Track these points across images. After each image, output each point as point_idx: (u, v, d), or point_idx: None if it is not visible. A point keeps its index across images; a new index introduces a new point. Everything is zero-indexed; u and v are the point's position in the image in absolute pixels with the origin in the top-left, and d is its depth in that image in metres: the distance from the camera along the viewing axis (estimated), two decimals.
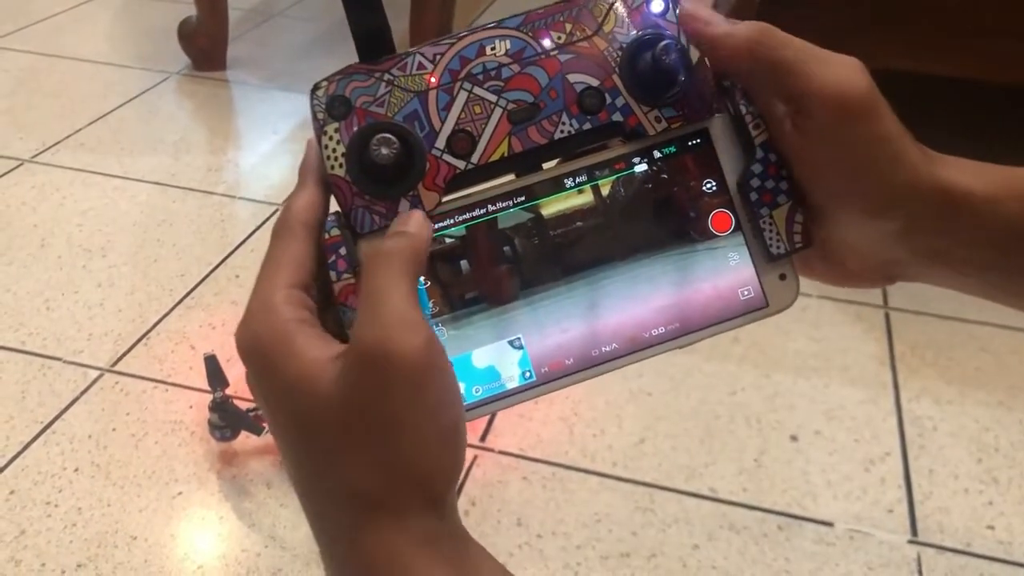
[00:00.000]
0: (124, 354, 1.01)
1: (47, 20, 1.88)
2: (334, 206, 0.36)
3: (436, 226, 0.36)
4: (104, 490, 0.84)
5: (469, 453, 0.90)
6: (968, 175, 0.36)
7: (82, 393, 0.95)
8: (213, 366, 0.85)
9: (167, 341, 1.03)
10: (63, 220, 1.24)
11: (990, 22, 1.18)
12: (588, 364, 0.37)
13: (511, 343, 0.37)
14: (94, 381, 0.97)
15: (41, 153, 1.39)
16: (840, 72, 0.35)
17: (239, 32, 1.83)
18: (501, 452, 0.90)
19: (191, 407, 0.94)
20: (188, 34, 1.68)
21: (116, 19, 1.92)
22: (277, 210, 1.29)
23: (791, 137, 0.37)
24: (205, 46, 1.68)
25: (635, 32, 0.37)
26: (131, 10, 1.97)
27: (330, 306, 0.36)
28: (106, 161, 1.38)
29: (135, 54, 1.75)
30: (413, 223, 0.34)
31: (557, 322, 0.37)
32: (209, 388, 0.86)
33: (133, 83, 1.63)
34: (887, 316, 1.12)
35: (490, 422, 0.94)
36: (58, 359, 0.99)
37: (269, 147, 1.48)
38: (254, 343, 0.33)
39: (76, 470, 0.86)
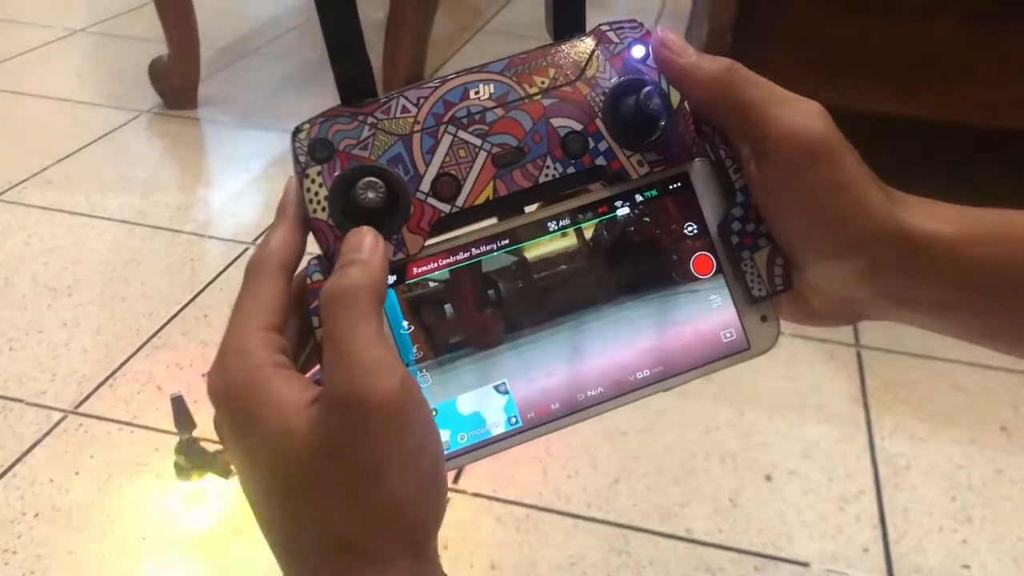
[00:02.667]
0: (89, 395, 0.98)
1: (16, 58, 1.86)
2: (314, 249, 0.36)
3: (420, 270, 0.36)
4: (65, 536, 0.82)
5: None
6: (931, 218, 0.36)
7: (44, 435, 0.93)
8: (180, 407, 0.83)
9: (133, 382, 1.01)
10: (28, 258, 1.22)
11: (962, 67, 1.22)
12: (574, 408, 0.37)
13: (496, 388, 0.36)
14: (57, 423, 0.94)
15: (7, 191, 1.37)
16: (800, 117, 0.35)
17: (211, 70, 1.83)
18: (474, 494, 0.89)
19: (157, 449, 0.92)
20: (159, 73, 1.67)
21: (85, 57, 1.91)
22: (247, 249, 1.27)
23: (754, 178, 0.37)
24: (177, 84, 1.67)
25: (617, 77, 0.37)
26: (101, 49, 1.96)
27: (304, 348, 0.35)
28: (74, 199, 1.37)
29: (105, 92, 1.74)
30: (366, 248, 0.33)
31: (542, 366, 0.36)
32: (176, 430, 0.84)
33: (103, 121, 1.62)
34: (859, 354, 1.13)
35: None
36: (20, 400, 0.97)
37: (240, 185, 1.47)
38: (227, 387, 0.32)
39: (36, 515, 0.84)
